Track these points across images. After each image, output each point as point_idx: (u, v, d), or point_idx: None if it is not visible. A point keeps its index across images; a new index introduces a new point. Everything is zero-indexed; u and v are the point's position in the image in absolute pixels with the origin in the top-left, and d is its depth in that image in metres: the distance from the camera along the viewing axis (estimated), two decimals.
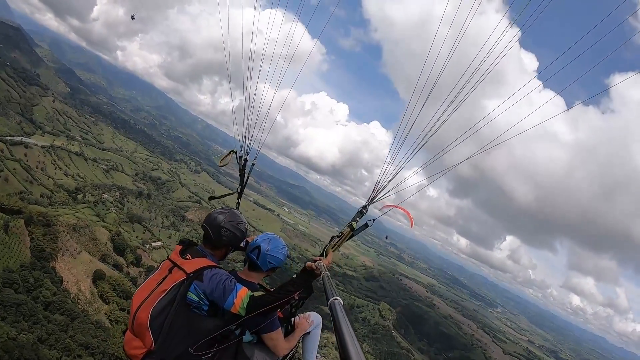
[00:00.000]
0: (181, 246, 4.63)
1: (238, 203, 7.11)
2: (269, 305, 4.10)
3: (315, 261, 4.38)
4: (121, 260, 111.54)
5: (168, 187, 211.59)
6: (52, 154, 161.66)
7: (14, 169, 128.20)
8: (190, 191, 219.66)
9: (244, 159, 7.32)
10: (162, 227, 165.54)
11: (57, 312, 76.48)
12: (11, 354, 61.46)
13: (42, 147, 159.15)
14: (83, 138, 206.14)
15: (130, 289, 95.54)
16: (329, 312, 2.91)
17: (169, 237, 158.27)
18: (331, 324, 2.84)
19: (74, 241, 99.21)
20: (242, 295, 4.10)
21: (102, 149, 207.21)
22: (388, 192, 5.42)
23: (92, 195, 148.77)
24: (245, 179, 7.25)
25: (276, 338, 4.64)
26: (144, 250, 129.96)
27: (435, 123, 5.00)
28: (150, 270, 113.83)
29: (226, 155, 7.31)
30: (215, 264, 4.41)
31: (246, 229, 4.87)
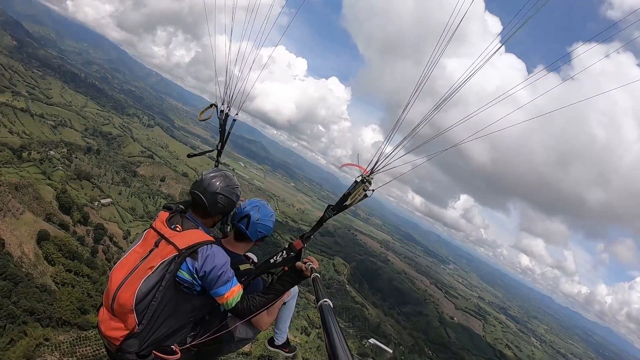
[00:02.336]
0: (167, 213, 4.18)
1: (217, 161, 6.64)
2: (257, 310, 4.02)
3: (305, 262, 4.23)
4: (67, 219, 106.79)
5: (119, 142, 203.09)
6: None
7: None
8: (142, 146, 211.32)
9: (225, 114, 6.68)
10: (112, 184, 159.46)
11: None
12: None
13: None
14: (30, 93, 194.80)
15: (77, 248, 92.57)
16: (319, 314, 3.07)
17: (119, 194, 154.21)
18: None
19: (17, 201, 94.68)
20: (234, 292, 3.93)
21: (50, 105, 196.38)
22: (387, 164, 4.63)
23: (38, 153, 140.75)
24: (226, 135, 6.68)
25: (259, 314, 4.29)
26: (92, 208, 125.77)
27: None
28: (99, 229, 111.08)
29: (207, 109, 6.67)
30: (211, 238, 3.99)
31: (240, 193, 4.54)
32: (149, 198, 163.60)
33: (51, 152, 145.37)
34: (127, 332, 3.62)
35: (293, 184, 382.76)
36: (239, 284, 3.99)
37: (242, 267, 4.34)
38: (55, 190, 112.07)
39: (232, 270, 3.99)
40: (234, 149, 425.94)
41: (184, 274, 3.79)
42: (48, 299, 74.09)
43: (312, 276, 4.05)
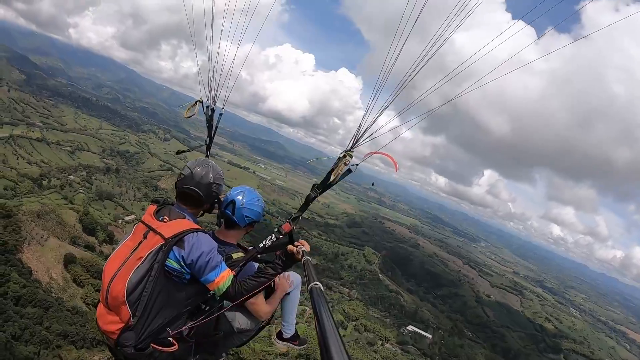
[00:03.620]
0: (155, 206, 4.26)
1: (207, 156, 6.57)
2: (249, 292, 4.02)
3: (297, 245, 4.25)
4: (92, 239, 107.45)
5: (137, 159, 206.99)
6: (13, 144, 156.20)
7: None
8: (161, 160, 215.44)
9: (211, 109, 6.78)
10: (134, 200, 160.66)
11: (28, 305, 73.28)
12: None
13: (1, 139, 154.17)
14: (44, 123, 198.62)
15: None
16: (310, 297, 3.11)
17: (142, 209, 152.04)
18: None
19: (40, 228, 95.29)
20: (224, 277, 3.94)
21: (65, 131, 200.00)
22: (370, 135, 4.84)
23: (57, 179, 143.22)
24: (213, 130, 6.82)
25: (257, 302, 4.55)
26: (116, 226, 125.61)
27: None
28: None
29: (192, 106, 6.82)
30: (198, 227, 4.08)
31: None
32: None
33: (71, 176, 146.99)
34: (123, 325, 3.65)
35: (315, 180, 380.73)
36: (228, 269, 3.97)
37: (235, 255, 4.36)
38: (77, 213, 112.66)
39: (219, 256, 3.98)
40: (252, 151, 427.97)
41: (172, 263, 3.81)
42: (80, 320, 74.17)
43: (303, 259, 4.04)
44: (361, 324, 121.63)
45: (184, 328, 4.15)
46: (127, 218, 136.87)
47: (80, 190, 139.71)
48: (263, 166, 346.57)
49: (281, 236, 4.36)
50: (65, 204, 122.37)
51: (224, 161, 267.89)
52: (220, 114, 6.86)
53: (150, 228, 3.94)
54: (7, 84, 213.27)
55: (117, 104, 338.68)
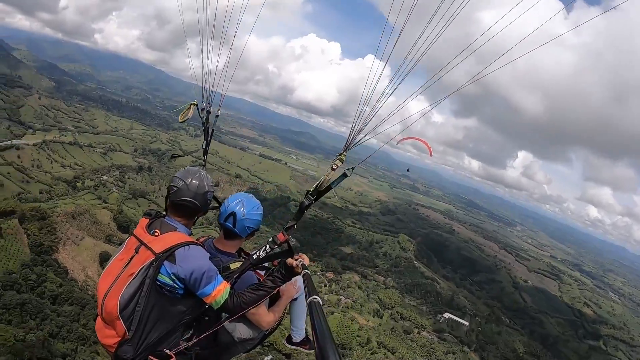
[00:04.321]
0: (147, 219, 4.20)
1: (205, 160, 6.60)
2: (248, 305, 3.99)
3: (296, 258, 4.17)
4: (125, 237, 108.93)
5: (169, 156, 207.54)
6: (46, 149, 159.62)
7: (8, 173, 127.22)
8: (192, 156, 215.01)
9: (206, 112, 6.60)
10: None
11: (65, 304, 74.94)
12: (21, 356, 60.18)
13: (35, 145, 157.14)
14: (75, 127, 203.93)
15: None
16: (309, 311, 3.09)
17: None
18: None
19: (75, 228, 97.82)
20: (220, 291, 3.89)
21: (96, 134, 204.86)
22: (367, 134, 4.92)
23: (91, 180, 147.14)
24: (210, 133, 6.63)
25: (258, 313, 4.31)
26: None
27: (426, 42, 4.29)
28: None
29: (186, 109, 6.67)
30: (190, 239, 4.00)
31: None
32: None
33: (104, 177, 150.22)
34: (119, 338, 3.64)
35: (349, 167, 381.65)
36: (224, 282, 3.93)
37: (233, 265, 4.21)
38: (111, 212, 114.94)
39: (214, 268, 3.91)
40: (283, 143, 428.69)
41: (164, 278, 3.73)
42: None
43: (302, 273, 4.02)
44: (397, 312, 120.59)
45: (181, 341, 4.04)
46: None
47: (114, 190, 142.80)
48: (294, 157, 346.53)
49: (276, 246, 4.23)
50: (99, 203, 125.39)
51: (255, 154, 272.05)
52: (216, 117, 6.68)
53: (141, 242, 3.86)
54: (38, 91, 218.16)
55: (146, 104, 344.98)
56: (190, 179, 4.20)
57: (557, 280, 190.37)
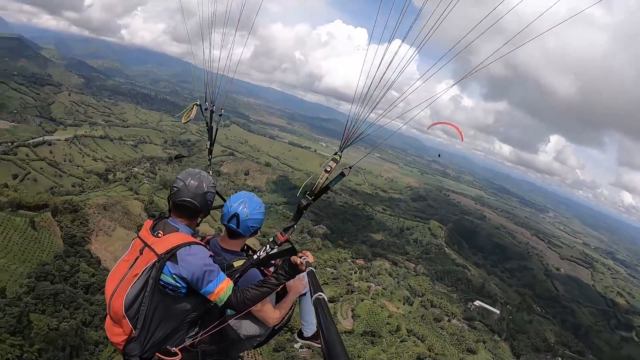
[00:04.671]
0: (152, 221, 4.32)
1: (210, 160, 6.73)
2: (252, 302, 4.02)
3: (301, 256, 4.09)
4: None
5: (199, 146, 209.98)
6: (78, 143, 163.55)
7: (41, 168, 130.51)
8: (222, 146, 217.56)
9: (210, 111, 6.76)
10: None
11: (98, 293, 76.46)
12: (54, 344, 61.72)
13: (66, 140, 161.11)
14: (106, 121, 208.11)
15: None
16: (314, 308, 3.16)
17: None
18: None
19: (107, 219, 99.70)
20: (223, 288, 3.96)
21: (126, 127, 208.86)
22: (364, 132, 5.13)
23: (122, 172, 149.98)
24: (214, 132, 6.70)
25: (263, 310, 4.39)
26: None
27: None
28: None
29: (189, 110, 6.79)
30: (191, 239, 4.08)
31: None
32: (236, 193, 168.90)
33: (135, 168, 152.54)
34: (127, 337, 3.79)
35: (378, 154, 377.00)
36: (227, 278, 3.99)
37: (237, 263, 4.33)
38: (142, 202, 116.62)
39: (216, 266, 3.99)
40: (312, 131, 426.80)
41: (166, 278, 3.83)
42: None
43: (307, 270, 4.01)
44: (427, 299, 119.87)
45: (186, 338, 4.18)
46: None
47: (145, 181, 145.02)
48: (324, 144, 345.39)
49: (276, 247, 4.33)
50: (130, 195, 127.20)
51: (285, 142, 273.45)
52: (220, 116, 6.78)
53: (145, 244, 3.97)
54: (67, 88, 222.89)
55: (175, 96, 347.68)
56: (189, 180, 4.25)
57: (589, 269, 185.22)
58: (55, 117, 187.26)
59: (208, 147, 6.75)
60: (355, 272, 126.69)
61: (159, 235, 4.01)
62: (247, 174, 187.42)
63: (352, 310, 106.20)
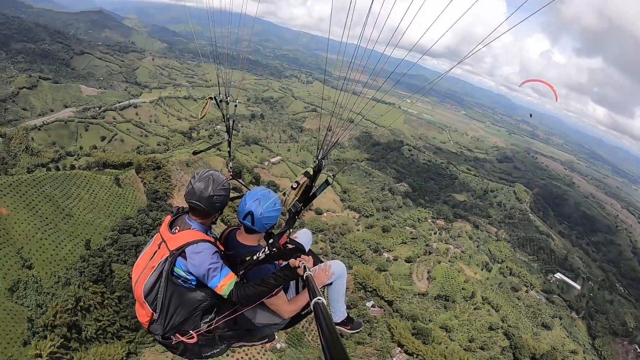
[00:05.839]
0: (170, 217, 4.68)
1: (229, 152, 6.61)
2: (251, 299, 4.22)
3: (300, 261, 4.21)
4: (235, 182, 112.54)
5: (281, 103, 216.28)
6: (162, 105, 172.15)
7: (127, 129, 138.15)
8: (305, 102, 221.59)
9: (225, 103, 6.72)
10: (280, 143, 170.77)
11: None
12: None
13: (151, 102, 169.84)
14: (189, 82, 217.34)
15: None
16: (313, 312, 3.10)
17: (288, 150, 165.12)
18: None
19: (189, 175, 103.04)
20: (227, 282, 4.21)
21: (209, 87, 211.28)
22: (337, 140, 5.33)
23: (205, 130, 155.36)
24: (231, 124, 6.64)
25: (276, 303, 4.61)
26: (262, 168, 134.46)
27: None
28: (271, 185, 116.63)
29: (205, 105, 6.69)
30: (201, 236, 4.35)
31: (230, 184, 4.79)
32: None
33: (218, 126, 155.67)
34: (149, 318, 4.32)
35: (464, 112, 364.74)
36: (231, 273, 4.23)
37: (248, 258, 4.40)
38: (224, 159, 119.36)
39: (220, 262, 4.23)
40: (397, 87, 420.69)
41: (179, 271, 4.24)
42: None
43: (305, 274, 4.00)
44: (507, 266, 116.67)
45: (202, 323, 4.47)
46: (273, 160, 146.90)
47: (227, 138, 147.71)
48: (409, 101, 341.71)
49: (274, 249, 4.33)
50: (213, 151, 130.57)
51: (367, 98, 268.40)
52: (235, 106, 6.72)
53: (162, 239, 4.36)
54: (151, 54, 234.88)
55: (257, 55, 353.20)
56: (196, 182, 4.39)
57: None
58: (140, 81, 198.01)
59: (228, 139, 6.66)
60: (434, 233, 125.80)
61: (175, 231, 4.36)
62: (329, 130, 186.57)
63: (428, 272, 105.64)
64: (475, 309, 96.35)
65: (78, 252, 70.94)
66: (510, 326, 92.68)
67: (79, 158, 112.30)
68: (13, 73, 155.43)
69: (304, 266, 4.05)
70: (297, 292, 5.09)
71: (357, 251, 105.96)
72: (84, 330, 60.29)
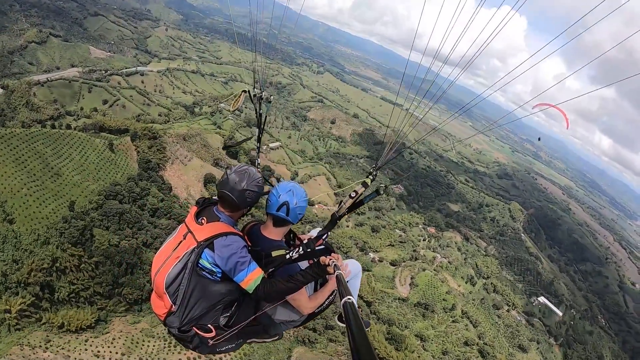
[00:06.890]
0: (196, 207, 4.66)
1: (258, 148, 6.74)
2: (278, 295, 4.23)
3: (330, 258, 4.22)
4: (235, 163, 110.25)
5: (289, 90, 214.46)
6: (169, 76, 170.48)
7: (131, 96, 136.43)
8: (312, 92, 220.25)
9: (258, 97, 6.50)
10: (281, 128, 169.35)
11: (164, 217, 79.77)
12: (112, 260, 64.63)
13: (158, 71, 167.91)
14: (200, 57, 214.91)
15: None
16: (343, 312, 3.05)
17: (289, 137, 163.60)
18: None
19: (185, 149, 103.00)
20: (254, 277, 4.20)
21: (219, 64, 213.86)
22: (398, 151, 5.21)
23: (209, 107, 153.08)
24: (263, 120, 6.50)
25: (297, 299, 4.64)
26: (260, 152, 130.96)
27: None
28: (266, 170, 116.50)
29: (238, 98, 6.56)
30: (230, 229, 4.34)
31: (263, 183, 4.74)
32: (319, 140, 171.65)
33: (221, 104, 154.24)
34: (167, 310, 4.22)
35: (470, 124, 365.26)
36: (258, 268, 4.20)
37: (275, 253, 4.44)
38: (223, 137, 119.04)
39: (248, 256, 4.22)
40: (407, 89, 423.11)
41: (204, 263, 4.17)
42: None
43: (335, 273, 3.95)
44: (491, 283, 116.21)
45: (221, 317, 4.43)
46: (272, 145, 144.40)
47: (230, 117, 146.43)
48: (416, 104, 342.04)
49: (309, 250, 4.40)
50: (213, 129, 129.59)
51: (377, 96, 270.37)
52: (269, 102, 6.51)
53: (189, 230, 4.29)
54: (165, 24, 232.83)
55: (272, 39, 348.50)
56: (232, 173, 4.38)
57: None
58: (151, 49, 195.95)
59: (258, 134, 6.58)
60: (424, 240, 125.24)
61: (202, 222, 4.28)
62: (333, 122, 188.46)
63: (412, 278, 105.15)
64: (453, 321, 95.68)
65: (61, 212, 69.94)
66: (486, 344, 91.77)
67: (78, 119, 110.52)
68: (24, 26, 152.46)
69: (334, 265, 4.00)
70: (315, 290, 5.04)
71: (343, 247, 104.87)
72: (57, 292, 59.99)
